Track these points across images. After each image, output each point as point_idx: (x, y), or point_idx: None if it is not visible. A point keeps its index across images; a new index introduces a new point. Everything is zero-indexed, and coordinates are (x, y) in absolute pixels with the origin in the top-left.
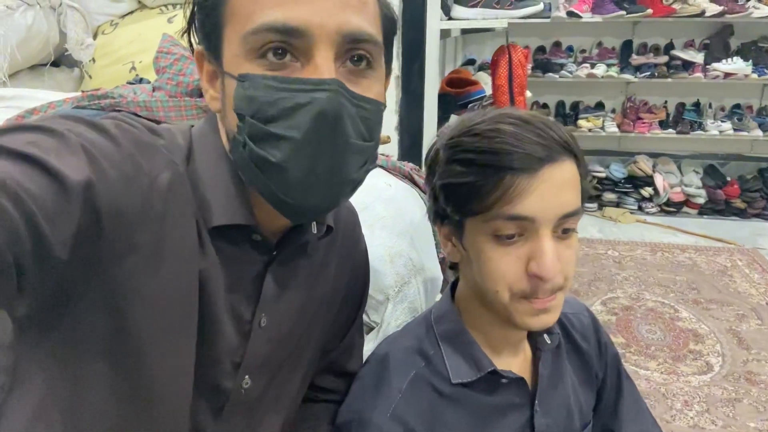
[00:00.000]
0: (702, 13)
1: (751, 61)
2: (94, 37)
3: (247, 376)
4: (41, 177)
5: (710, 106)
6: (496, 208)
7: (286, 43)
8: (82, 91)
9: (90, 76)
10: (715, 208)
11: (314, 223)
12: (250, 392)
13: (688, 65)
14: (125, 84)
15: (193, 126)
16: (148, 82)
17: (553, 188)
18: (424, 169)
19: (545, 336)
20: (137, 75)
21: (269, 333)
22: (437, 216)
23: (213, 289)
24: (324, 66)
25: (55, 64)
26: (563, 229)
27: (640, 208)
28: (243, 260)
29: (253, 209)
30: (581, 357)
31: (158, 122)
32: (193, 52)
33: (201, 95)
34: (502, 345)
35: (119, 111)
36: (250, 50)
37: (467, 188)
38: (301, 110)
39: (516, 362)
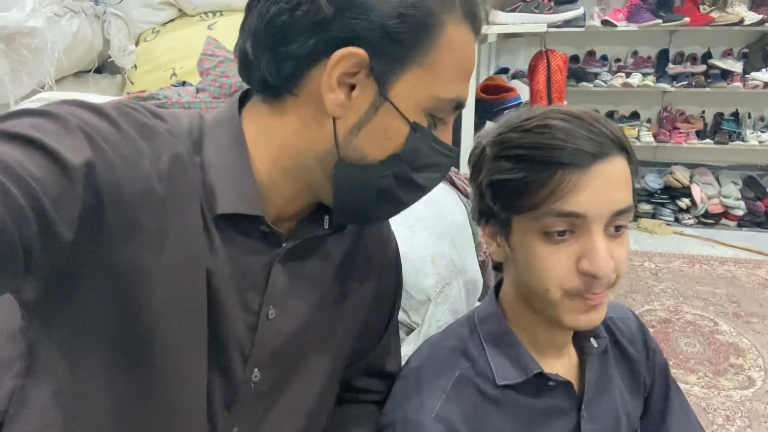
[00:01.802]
0: (741, 22)
1: None
2: (136, 44)
3: (256, 369)
4: (44, 159)
5: (749, 116)
6: (546, 204)
7: (449, 112)
8: (128, 93)
9: (132, 82)
10: (754, 220)
11: (326, 217)
12: (260, 386)
13: (726, 74)
14: (169, 86)
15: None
16: (191, 85)
17: (604, 184)
18: (465, 170)
19: (592, 340)
20: (178, 80)
21: (278, 326)
22: (482, 215)
23: (219, 276)
24: (450, 134)
25: (99, 70)
26: (615, 227)
27: (676, 220)
28: (250, 250)
29: (265, 201)
30: (629, 363)
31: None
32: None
33: None
34: (547, 347)
35: None
36: (432, 108)
37: (516, 184)
38: (436, 168)
39: (561, 366)
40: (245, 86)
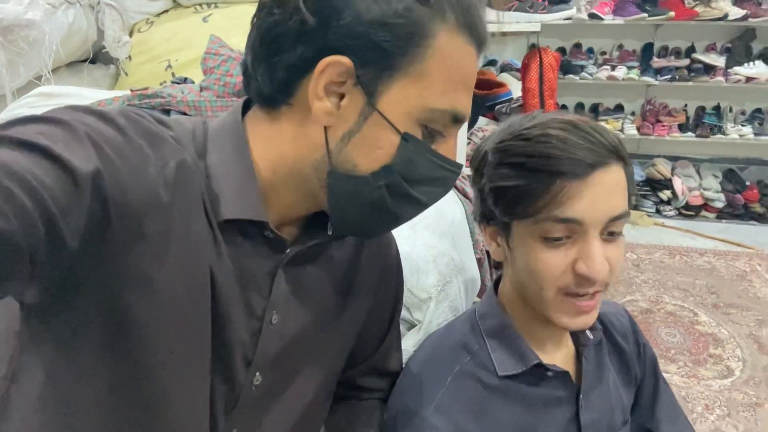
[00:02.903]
0: (725, 17)
1: None
2: (130, 34)
3: (258, 373)
4: (52, 167)
5: (731, 110)
6: (546, 211)
7: (448, 125)
8: (131, 90)
9: (126, 74)
10: (733, 212)
11: (329, 223)
12: (260, 389)
13: (709, 69)
14: (172, 84)
15: (205, 120)
16: (192, 82)
17: (602, 192)
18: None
19: (587, 331)
20: (173, 73)
21: (281, 331)
22: (483, 217)
23: (224, 282)
24: (454, 149)
25: (93, 61)
26: (609, 232)
27: (658, 211)
28: (255, 256)
29: (267, 207)
30: (621, 356)
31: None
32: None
33: None
34: (545, 340)
35: (169, 110)
36: (425, 119)
37: (517, 191)
38: (437, 183)
39: (559, 357)
40: None
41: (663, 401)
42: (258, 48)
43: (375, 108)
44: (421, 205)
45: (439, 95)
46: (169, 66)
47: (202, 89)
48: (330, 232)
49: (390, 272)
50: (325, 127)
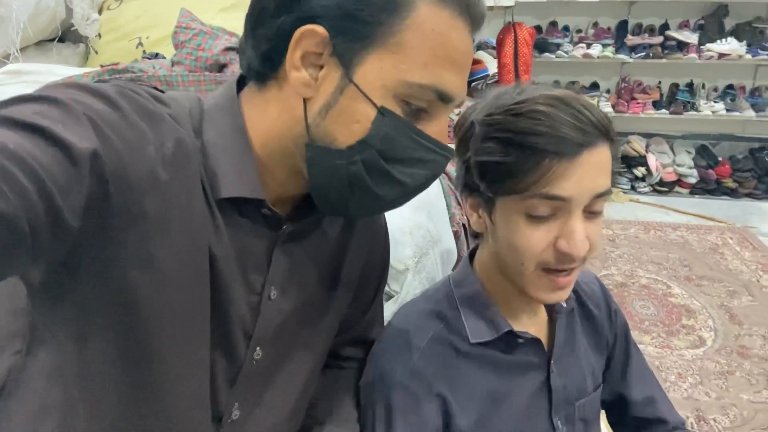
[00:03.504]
0: None
1: (745, 41)
2: (100, 12)
3: (258, 348)
4: (50, 147)
5: (703, 86)
6: (533, 189)
7: (435, 104)
8: (101, 65)
9: (96, 52)
10: (706, 187)
11: None
12: (261, 363)
13: (682, 46)
14: (143, 59)
15: (200, 96)
16: (164, 57)
17: (589, 171)
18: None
19: None
20: (144, 50)
21: (279, 306)
22: (466, 187)
23: (223, 259)
24: (444, 132)
25: (62, 40)
26: (591, 210)
27: (633, 188)
28: (253, 233)
29: (263, 184)
30: (593, 323)
31: (162, 91)
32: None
33: (220, 70)
34: (518, 309)
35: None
36: (404, 94)
37: (504, 168)
38: (422, 164)
39: (532, 325)
40: (221, 60)
41: (634, 365)
42: (247, 22)
43: (351, 80)
44: (404, 187)
45: (418, 69)
46: (141, 44)
47: (173, 64)
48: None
49: (379, 243)
50: (305, 101)
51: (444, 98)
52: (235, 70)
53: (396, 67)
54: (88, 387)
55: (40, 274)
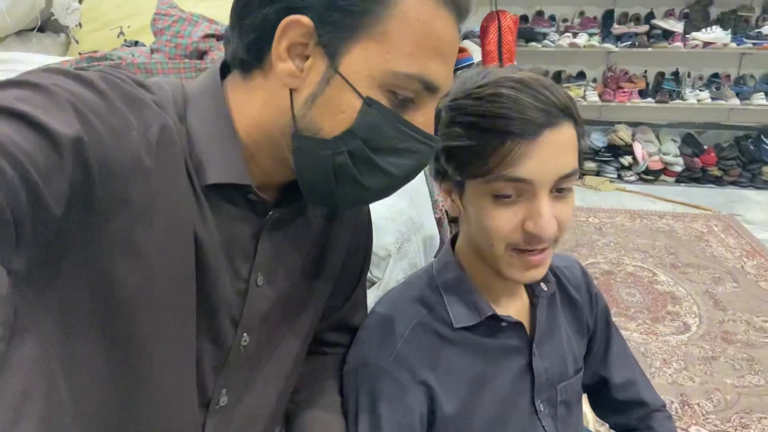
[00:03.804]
0: None
1: (730, 30)
2: (80, 1)
3: (245, 334)
4: (32, 133)
5: (689, 75)
6: (497, 171)
7: (421, 94)
8: (80, 53)
9: (77, 41)
10: (692, 176)
11: None
12: (248, 350)
13: (668, 34)
14: (122, 47)
15: (183, 82)
16: (144, 45)
17: (551, 152)
18: None
19: (542, 284)
20: (126, 39)
21: (266, 292)
22: (438, 174)
23: (209, 246)
24: (431, 121)
25: (42, 29)
26: (558, 189)
27: (619, 177)
28: (239, 219)
29: (249, 170)
30: (574, 307)
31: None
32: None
33: (200, 57)
34: (500, 293)
35: None
36: (390, 84)
37: (468, 151)
38: (408, 154)
39: (514, 309)
40: (201, 47)
41: (614, 349)
42: (233, 11)
43: (336, 70)
44: (391, 177)
45: (403, 58)
46: (122, 33)
47: (153, 51)
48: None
49: (362, 228)
50: (291, 91)
51: (430, 88)
52: (215, 57)
53: (381, 56)
54: (72, 374)
55: (24, 262)
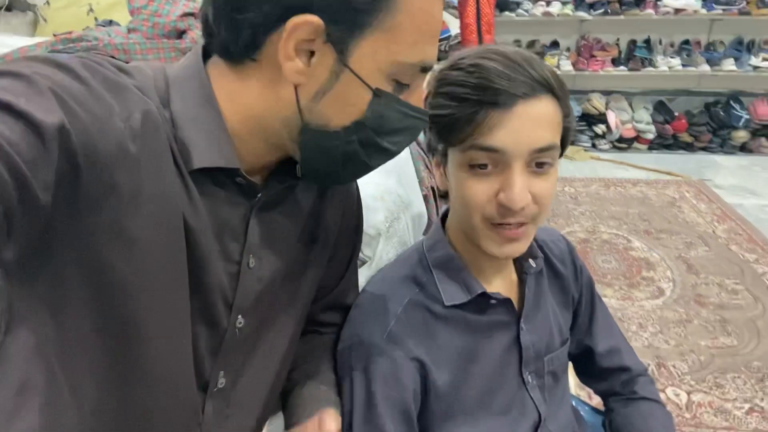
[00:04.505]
0: None
1: None
2: None
3: (240, 316)
4: (15, 123)
5: (660, 42)
6: (471, 139)
7: (417, 75)
8: (54, 35)
9: (45, 20)
10: (663, 142)
11: (297, 166)
12: (244, 332)
13: (639, 1)
14: (97, 26)
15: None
16: (118, 24)
17: (525, 124)
18: None
19: (530, 260)
20: (96, 17)
21: (258, 274)
22: (429, 146)
23: (199, 230)
24: (422, 97)
25: (8, 8)
26: (537, 163)
27: (593, 146)
28: (228, 202)
29: (237, 153)
30: (560, 281)
31: (126, 61)
32: None
33: (179, 36)
34: (489, 270)
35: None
36: (395, 73)
37: (448, 120)
38: (406, 132)
39: (503, 285)
40: (180, 26)
41: (599, 319)
42: (221, 3)
43: (346, 65)
44: (390, 154)
45: (409, 49)
46: (91, 10)
47: (129, 31)
48: (299, 175)
49: (352, 208)
50: (295, 86)
51: (425, 69)
52: (194, 36)
53: (388, 48)
54: (69, 363)
55: (14, 253)
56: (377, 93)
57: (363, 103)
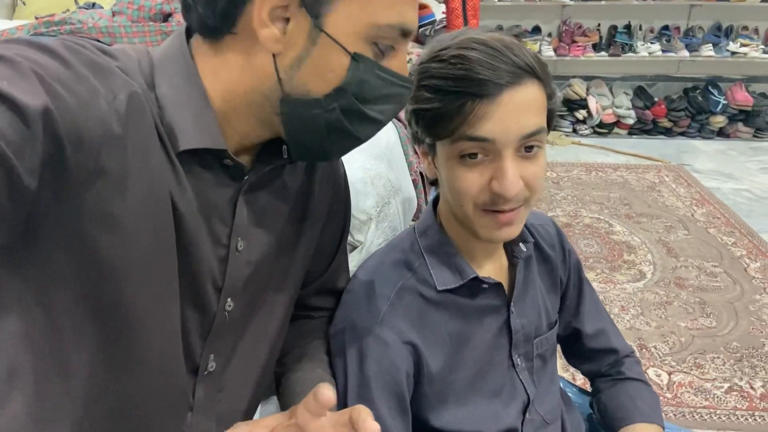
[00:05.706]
0: None
1: None
2: None
3: (229, 299)
4: (0, 107)
5: (640, 28)
6: (459, 131)
7: (397, 40)
8: (36, 17)
9: (24, 2)
10: (643, 128)
11: (284, 147)
12: (233, 315)
13: None
14: (80, 9)
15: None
16: (102, 7)
17: (513, 111)
18: None
19: (521, 245)
20: (77, 0)
21: (247, 257)
22: (414, 137)
23: (187, 212)
24: (404, 64)
25: None
26: (526, 147)
27: (574, 131)
28: (215, 184)
29: (224, 134)
30: (548, 265)
31: (111, 44)
32: None
33: (165, 20)
34: (480, 254)
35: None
36: (373, 36)
37: (434, 114)
38: (391, 99)
39: (493, 269)
40: (165, 9)
41: (586, 301)
42: None
43: (322, 30)
44: (378, 123)
45: (384, 10)
46: None
47: (114, 14)
48: (286, 156)
49: (339, 192)
50: (274, 55)
51: (405, 33)
52: (180, 19)
53: (364, 10)
54: (58, 349)
55: (1, 237)
56: (356, 57)
57: (342, 69)
